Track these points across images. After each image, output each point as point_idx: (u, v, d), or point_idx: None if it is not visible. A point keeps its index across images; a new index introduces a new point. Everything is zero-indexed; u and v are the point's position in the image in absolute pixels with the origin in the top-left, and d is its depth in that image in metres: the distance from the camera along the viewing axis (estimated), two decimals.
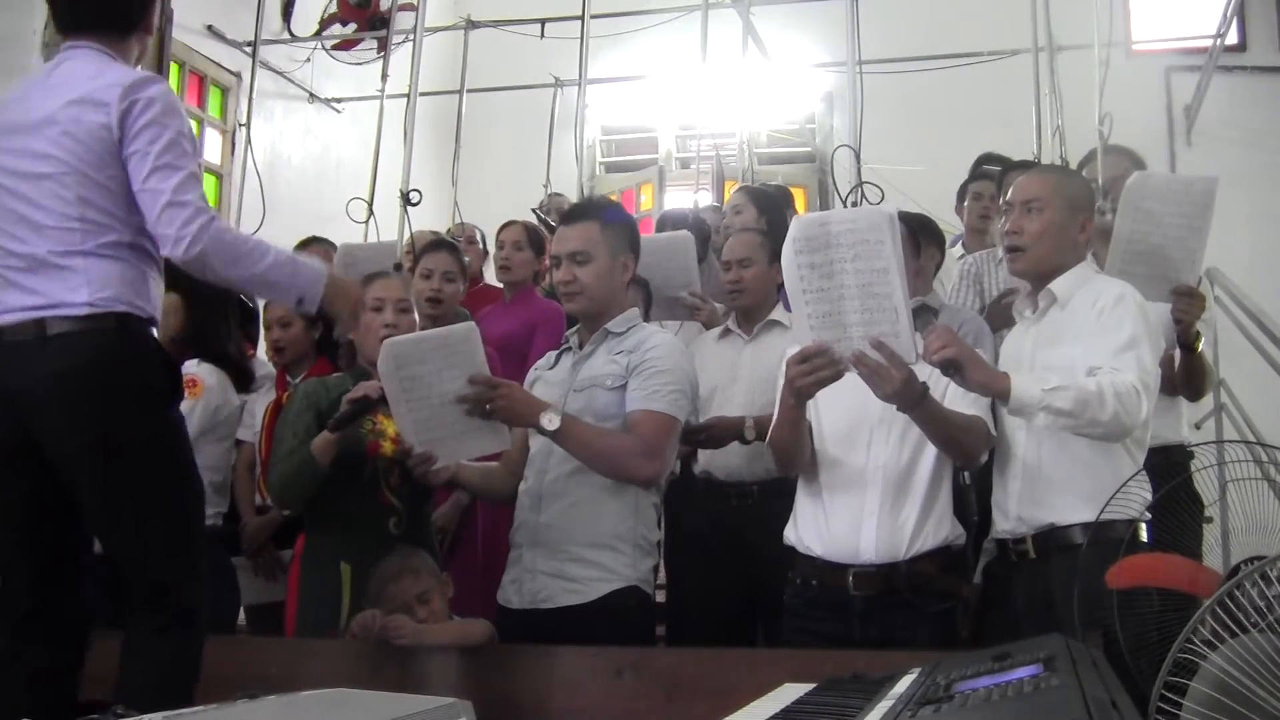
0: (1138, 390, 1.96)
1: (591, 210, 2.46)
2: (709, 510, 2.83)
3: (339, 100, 6.28)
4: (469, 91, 5.80)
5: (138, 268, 1.94)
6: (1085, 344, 2.08)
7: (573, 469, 2.28)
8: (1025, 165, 3.18)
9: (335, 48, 5.91)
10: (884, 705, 1.14)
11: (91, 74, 1.95)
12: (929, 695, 1.11)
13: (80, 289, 1.88)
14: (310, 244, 3.95)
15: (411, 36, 4.41)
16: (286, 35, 5.86)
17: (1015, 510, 2.14)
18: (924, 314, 2.07)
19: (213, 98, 5.58)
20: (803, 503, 2.28)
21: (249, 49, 5.22)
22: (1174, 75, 6.25)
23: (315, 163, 6.17)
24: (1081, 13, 3.87)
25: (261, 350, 3.44)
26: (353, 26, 5.86)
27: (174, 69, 5.12)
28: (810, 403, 2.13)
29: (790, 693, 1.34)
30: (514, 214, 4.07)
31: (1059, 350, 2.13)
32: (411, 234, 3.78)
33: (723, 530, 2.79)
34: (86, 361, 1.87)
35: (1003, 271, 3.17)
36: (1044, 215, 2.18)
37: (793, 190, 5.32)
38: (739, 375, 2.87)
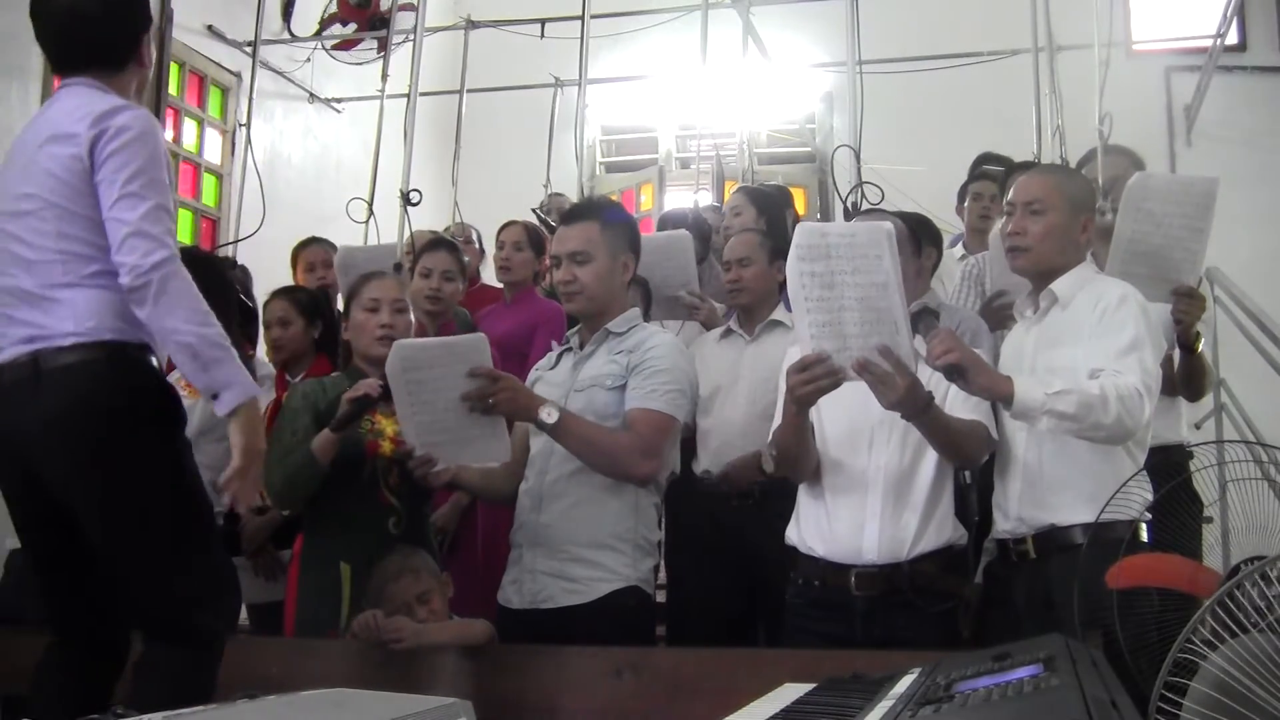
0: (1140, 393, 1.96)
1: (592, 210, 2.47)
2: (710, 510, 2.83)
3: (339, 100, 6.27)
4: (469, 91, 5.80)
5: (122, 294, 1.90)
6: (1087, 345, 2.08)
7: (573, 469, 2.28)
8: (1027, 166, 3.18)
9: (335, 48, 5.90)
10: (884, 705, 1.14)
11: (70, 109, 1.94)
12: (929, 695, 1.11)
13: (67, 320, 1.87)
14: (310, 244, 3.96)
15: (411, 36, 4.40)
16: (286, 35, 5.86)
17: (1016, 511, 2.14)
18: (926, 316, 2.07)
19: (213, 98, 5.58)
20: (805, 503, 2.28)
21: (249, 49, 5.22)
22: (1174, 75, 6.25)
23: (315, 163, 6.16)
24: (1081, 13, 3.87)
25: (261, 350, 3.44)
26: (353, 26, 5.86)
27: (174, 69, 5.12)
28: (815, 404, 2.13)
29: (790, 693, 1.34)
30: (514, 214, 4.07)
31: (1061, 351, 2.13)
32: (411, 234, 3.78)
33: (723, 530, 2.79)
34: (78, 399, 1.86)
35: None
36: (1046, 216, 2.18)
37: (793, 190, 5.32)
38: (741, 375, 2.87)
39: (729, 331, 2.99)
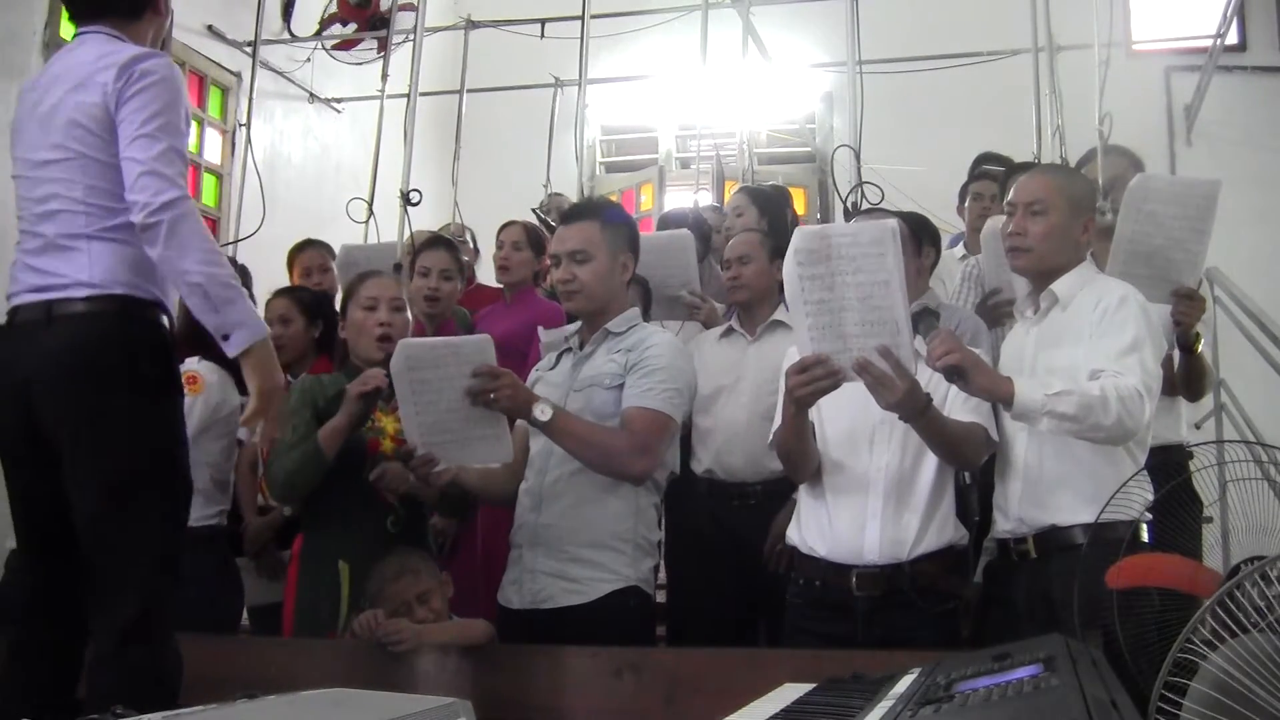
0: (1141, 394, 1.97)
1: (591, 210, 2.47)
2: (711, 510, 2.83)
3: (339, 100, 6.27)
4: (469, 91, 5.80)
5: (143, 249, 1.92)
6: (1088, 345, 2.08)
7: (573, 469, 2.28)
8: (1027, 166, 3.18)
9: (335, 48, 5.90)
10: (884, 705, 1.14)
11: (92, 58, 1.96)
12: (929, 695, 1.11)
13: (84, 270, 1.90)
14: (305, 248, 3.96)
15: (411, 36, 4.41)
16: (286, 35, 5.86)
17: (1016, 511, 2.14)
18: (926, 317, 2.07)
19: (213, 98, 5.58)
20: (806, 504, 2.28)
21: (249, 49, 5.21)
22: (1174, 75, 6.25)
23: (315, 163, 6.17)
24: (1081, 13, 3.87)
25: None
26: (353, 26, 5.86)
27: None
28: (815, 404, 2.13)
29: (790, 693, 1.34)
30: (514, 214, 4.07)
31: (1061, 351, 2.13)
32: (411, 234, 3.78)
33: (724, 530, 2.79)
34: (85, 343, 1.88)
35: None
36: (1047, 217, 2.18)
37: (793, 190, 5.32)
38: (744, 375, 2.87)
39: (730, 331, 2.99)
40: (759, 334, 2.91)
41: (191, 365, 2.90)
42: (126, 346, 1.91)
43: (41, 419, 1.90)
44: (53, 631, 1.94)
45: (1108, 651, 1.56)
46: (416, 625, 2.19)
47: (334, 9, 5.87)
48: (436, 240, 3.47)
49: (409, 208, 3.78)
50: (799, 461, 2.21)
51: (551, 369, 2.48)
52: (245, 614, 3.18)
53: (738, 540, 2.75)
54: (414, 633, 2.16)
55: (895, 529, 2.15)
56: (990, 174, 3.60)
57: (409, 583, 2.27)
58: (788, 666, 1.81)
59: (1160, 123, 6.13)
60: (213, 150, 5.55)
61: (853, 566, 2.15)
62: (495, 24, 5.91)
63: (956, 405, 2.14)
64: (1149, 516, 1.95)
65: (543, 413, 2.16)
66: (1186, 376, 2.65)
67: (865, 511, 2.16)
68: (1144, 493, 2.01)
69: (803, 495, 2.30)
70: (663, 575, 2.71)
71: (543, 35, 5.60)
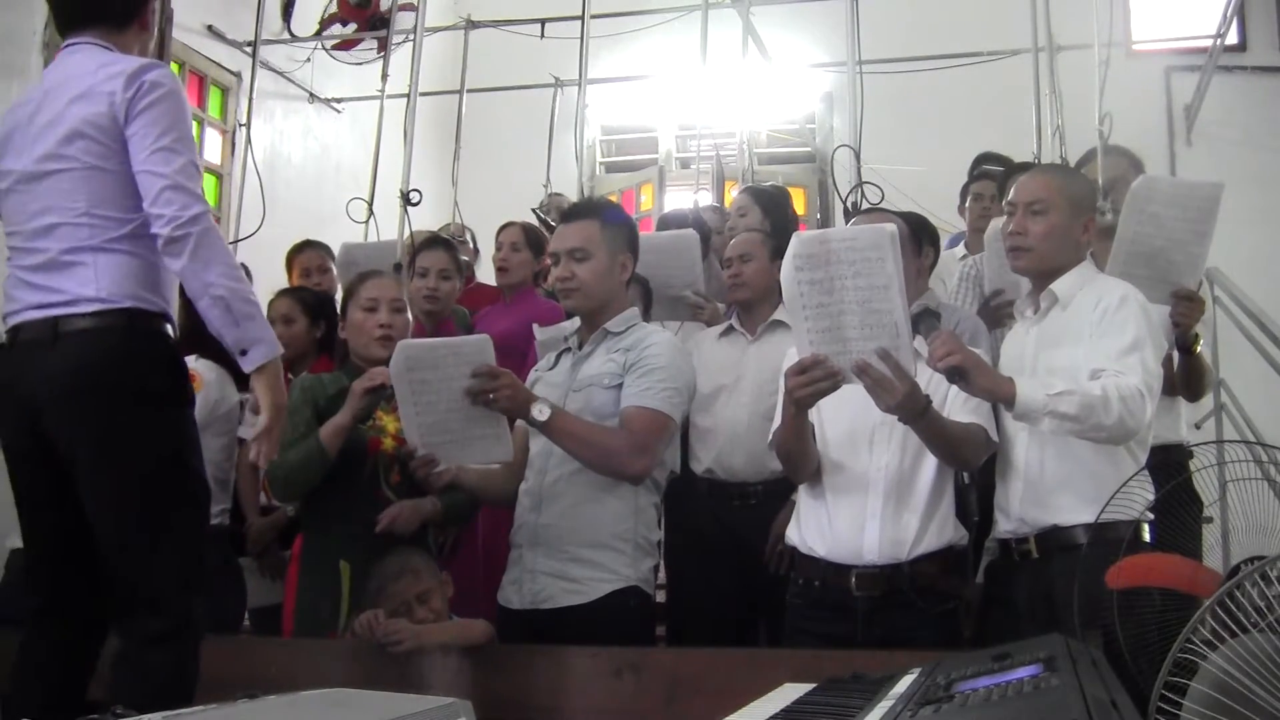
0: (1142, 393, 1.97)
1: (591, 209, 2.47)
2: (710, 510, 2.83)
3: (339, 100, 6.27)
4: (469, 91, 5.80)
5: (148, 261, 1.94)
6: (1088, 345, 2.08)
7: (573, 469, 2.28)
8: (1027, 166, 3.18)
9: (335, 48, 5.90)
10: (884, 705, 1.14)
11: (91, 69, 1.96)
12: (929, 695, 1.11)
13: (89, 284, 1.90)
14: (304, 249, 3.96)
15: (411, 36, 4.40)
16: (286, 35, 5.86)
17: (1018, 512, 2.14)
18: (927, 318, 2.06)
19: (213, 98, 5.58)
20: (806, 504, 2.28)
21: (249, 49, 5.21)
22: (1174, 75, 6.25)
23: (315, 163, 6.17)
24: (1081, 13, 3.87)
25: None
26: (353, 26, 5.86)
27: (174, 69, 5.11)
28: (815, 405, 2.13)
29: (790, 693, 1.34)
30: (514, 214, 4.06)
31: (1061, 351, 2.13)
32: (411, 234, 3.78)
33: (724, 530, 2.79)
34: (92, 361, 1.88)
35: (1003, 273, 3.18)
36: (1048, 216, 2.18)
37: (792, 190, 5.32)
38: (744, 375, 2.87)
39: (730, 330, 2.98)
40: (759, 333, 2.91)
41: (190, 364, 2.90)
42: (135, 360, 1.92)
43: (52, 436, 1.89)
44: (64, 632, 1.95)
45: (1108, 651, 1.56)
46: (416, 626, 2.19)
47: (334, 9, 5.87)
48: (434, 240, 3.47)
49: (409, 208, 3.78)
50: (799, 462, 2.21)
51: (551, 369, 2.48)
52: (247, 614, 3.18)
53: (738, 540, 2.75)
54: (413, 633, 2.16)
55: (895, 529, 2.14)
56: (990, 174, 3.60)
57: (409, 583, 2.26)
58: (788, 666, 1.82)
59: (1160, 123, 6.13)
60: (213, 150, 5.55)
61: (852, 567, 2.14)
62: (495, 24, 5.91)
63: (956, 406, 2.14)
64: (1150, 516, 1.95)
65: (541, 413, 2.16)
66: (1186, 377, 2.65)
67: (865, 512, 2.16)
68: (1145, 492, 2.01)
69: (802, 495, 2.30)
70: (663, 575, 2.71)
71: (543, 35, 5.60)
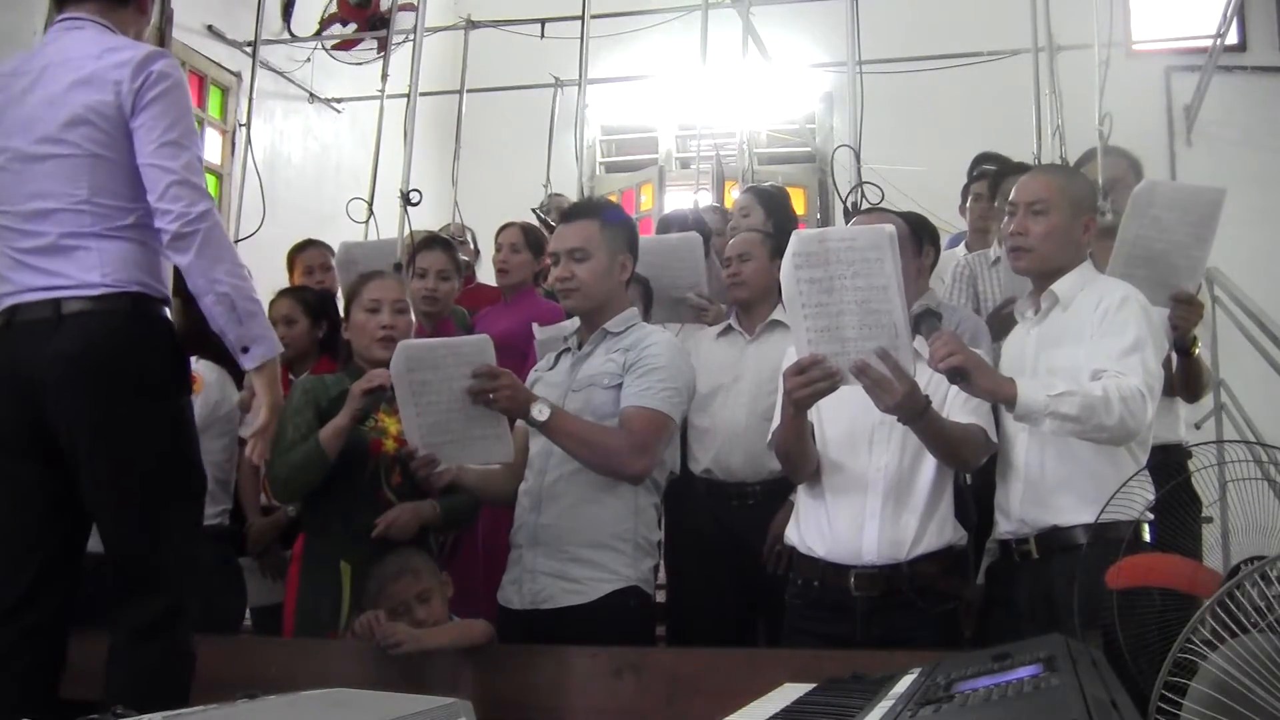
0: (1143, 394, 1.97)
1: (591, 209, 2.47)
2: (709, 510, 2.83)
3: (339, 100, 6.27)
4: (469, 91, 5.80)
5: (150, 247, 1.94)
6: (1089, 346, 2.08)
7: (573, 469, 2.28)
8: (1020, 166, 3.18)
9: (335, 48, 5.90)
10: (884, 705, 1.14)
11: (94, 52, 1.94)
12: (929, 695, 1.11)
13: (94, 269, 1.90)
14: (306, 247, 3.96)
15: (411, 36, 4.40)
16: (286, 35, 5.86)
17: (1018, 512, 2.14)
18: (928, 318, 2.06)
19: (213, 98, 5.58)
20: (805, 504, 2.27)
21: (249, 49, 5.22)
22: (1174, 75, 6.25)
23: (315, 163, 6.17)
24: (1081, 13, 3.87)
25: None
26: (353, 26, 5.86)
27: None
28: (815, 405, 2.12)
29: (790, 693, 1.34)
30: (514, 214, 4.06)
31: (1062, 352, 2.13)
32: (411, 234, 3.78)
33: (723, 530, 2.79)
34: (97, 343, 1.88)
35: (996, 273, 3.18)
36: (1048, 217, 2.18)
37: (793, 190, 5.32)
38: (743, 375, 2.87)
39: (728, 329, 2.98)
40: (757, 333, 2.91)
41: (191, 365, 2.90)
42: (139, 345, 1.92)
43: (53, 418, 1.89)
44: (35, 630, 1.93)
45: (1108, 651, 1.56)
46: (415, 630, 2.18)
47: (334, 9, 5.87)
48: (433, 240, 3.47)
49: (409, 208, 3.78)
50: (798, 462, 2.21)
51: (550, 369, 2.48)
52: (248, 614, 3.18)
53: (736, 540, 2.75)
54: (412, 637, 2.15)
55: (894, 529, 2.14)
56: (989, 174, 3.60)
57: (409, 583, 2.26)
58: (788, 666, 1.81)
59: (1160, 123, 6.14)
60: (213, 150, 5.55)
61: (851, 567, 2.14)
62: (495, 24, 5.91)
63: (956, 407, 2.14)
64: (1150, 516, 1.95)
65: (541, 412, 2.16)
66: (1185, 379, 2.65)
67: (864, 512, 2.16)
68: (1145, 493, 2.01)
69: (801, 495, 2.30)
70: (663, 575, 2.71)
71: (543, 35, 5.60)
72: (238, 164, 5.18)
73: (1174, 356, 2.60)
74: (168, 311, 2.00)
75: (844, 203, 3.48)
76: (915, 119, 5.87)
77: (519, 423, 2.32)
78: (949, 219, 3.84)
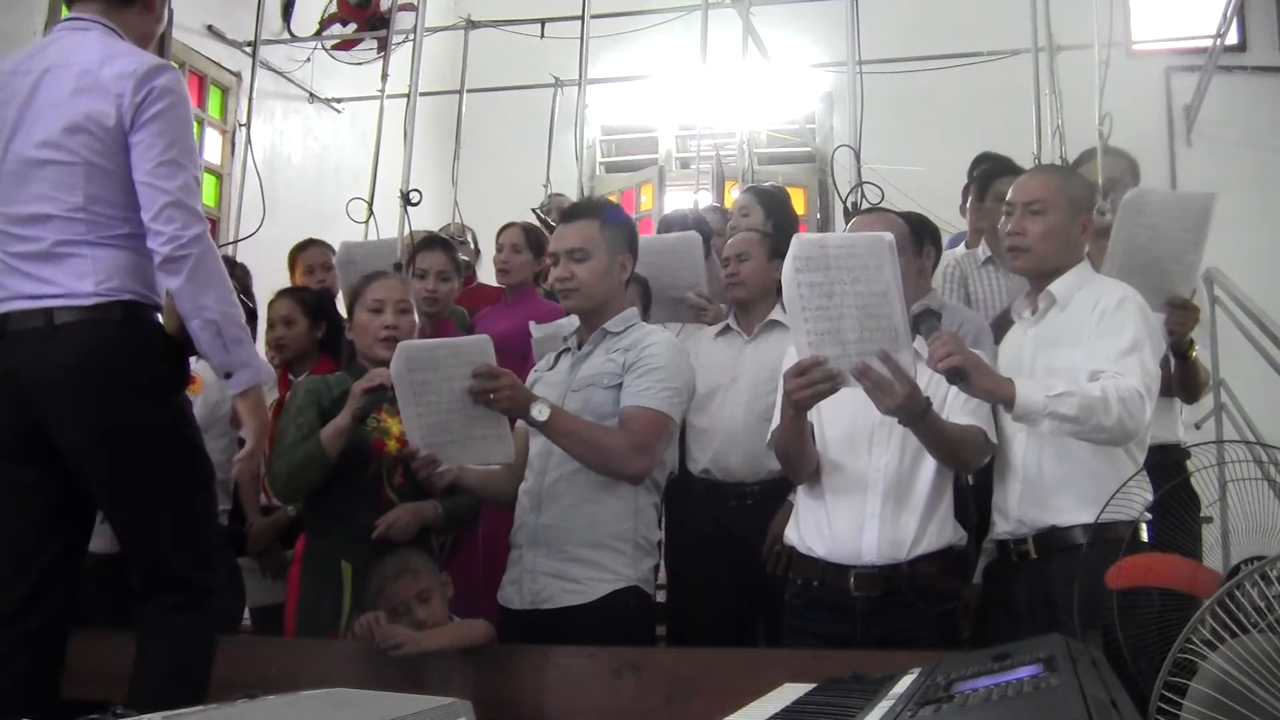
0: (1141, 394, 1.97)
1: (591, 209, 2.47)
2: (709, 510, 2.83)
3: (339, 100, 6.28)
4: (469, 91, 5.80)
5: (143, 254, 1.93)
6: (1087, 346, 2.08)
7: (573, 469, 2.28)
8: (1010, 166, 3.19)
9: (335, 48, 5.90)
10: (884, 705, 1.14)
11: (96, 58, 1.93)
12: (929, 695, 1.11)
13: (87, 277, 1.90)
14: (308, 246, 3.97)
15: (411, 36, 4.40)
16: (286, 35, 5.86)
17: (1016, 513, 2.14)
18: (928, 318, 2.06)
19: (213, 98, 5.58)
20: (805, 504, 2.27)
21: (249, 49, 5.22)
22: (1174, 75, 6.25)
23: (315, 163, 6.17)
24: (1081, 13, 3.87)
25: (261, 349, 3.44)
26: (353, 26, 5.86)
27: None
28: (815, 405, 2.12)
29: (790, 693, 1.34)
30: (514, 214, 4.07)
31: (1060, 352, 2.13)
32: (411, 234, 3.78)
33: (723, 530, 2.79)
34: (92, 351, 1.88)
35: (986, 273, 3.18)
36: (1046, 217, 2.18)
37: (793, 190, 5.32)
38: (741, 375, 2.87)
39: (727, 329, 2.98)
40: (756, 333, 2.91)
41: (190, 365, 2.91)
42: (133, 352, 1.92)
43: (55, 426, 1.89)
44: (34, 638, 1.93)
45: (1108, 651, 1.56)
46: (415, 632, 2.18)
47: (334, 9, 5.87)
48: (433, 241, 3.47)
49: (409, 208, 3.78)
50: (797, 462, 2.21)
51: (550, 369, 2.48)
52: (247, 614, 3.18)
53: (736, 540, 2.75)
54: (412, 639, 2.15)
55: (894, 530, 2.14)
56: (980, 174, 3.59)
57: (408, 583, 2.26)
58: (788, 666, 1.82)
59: (1160, 123, 6.14)
60: (213, 150, 5.55)
61: (851, 567, 2.14)
62: (495, 24, 5.91)
63: (955, 408, 2.14)
64: (1149, 516, 1.95)
65: (540, 412, 2.16)
66: (1182, 381, 2.65)
67: (864, 512, 2.16)
68: (1144, 493, 2.01)
69: (801, 496, 2.30)
70: (663, 575, 2.71)
71: (543, 35, 5.60)
72: (238, 164, 5.18)
73: (1171, 361, 2.60)
74: (159, 317, 2.00)
75: (844, 203, 3.48)
76: (915, 119, 5.87)
77: (519, 423, 2.32)
78: (949, 219, 3.83)
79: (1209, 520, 1.89)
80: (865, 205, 3.33)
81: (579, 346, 2.43)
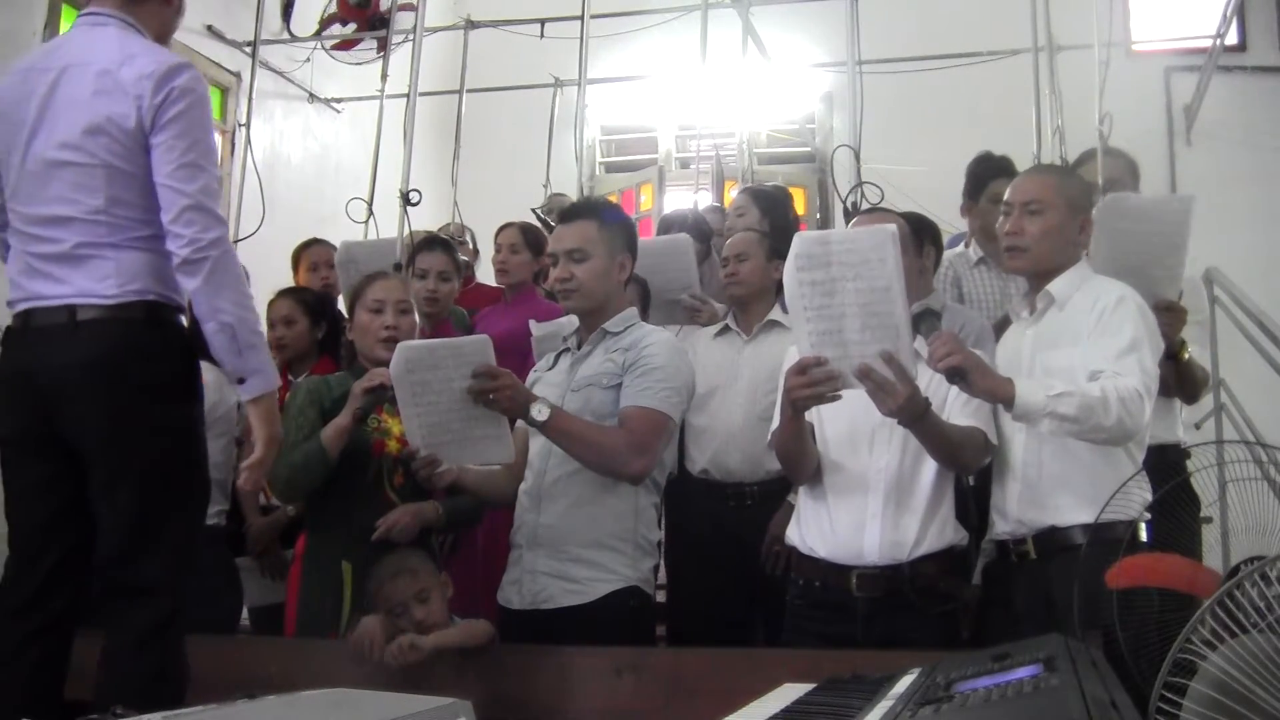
0: (1140, 395, 1.97)
1: (590, 209, 2.47)
2: (708, 510, 2.83)
3: (339, 100, 6.27)
4: (469, 91, 5.80)
5: (166, 256, 1.92)
6: (1086, 346, 2.08)
7: (572, 469, 2.28)
8: (1008, 167, 3.19)
9: (335, 48, 5.90)
10: (884, 705, 1.14)
11: (115, 57, 1.92)
12: (929, 695, 1.11)
13: (109, 279, 1.90)
14: (312, 244, 3.97)
15: (411, 36, 4.40)
16: (286, 35, 5.85)
17: (1015, 513, 2.14)
18: (928, 318, 2.06)
19: (213, 98, 5.58)
20: (806, 504, 2.27)
21: (249, 49, 5.21)
22: (1174, 75, 6.25)
23: (315, 163, 6.16)
24: (1081, 13, 3.87)
25: None
26: (352, 26, 5.85)
27: None
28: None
29: (790, 693, 1.34)
30: (514, 214, 4.07)
31: (1059, 352, 2.13)
32: (411, 234, 3.78)
33: (722, 530, 2.79)
34: (111, 349, 1.88)
35: (979, 274, 3.19)
36: (1045, 216, 2.19)
37: (792, 190, 5.32)
38: (740, 375, 2.87)
39: (726, 329, 2.98)
40: (755, 333, 2.91)
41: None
42: (152, 352, 1.92)
43: (67, 422, 1.89)
44: (41, 631, 1.93)
45: (1108, 651, 1.57)
46: (418, 637, 2.15)
47: (334, 9, 5.86)
48: (433, 241, 3.46)
49: (409, 208, 3.78)
50: (798, 462, 2.21)
51: (550, 369, 2.48)
52: (246, 614, 3.18)
53: (736, 540, 2.75)
54: (416, 646, 2.12)
55: (895, 530, 2.14)
56: (974, 175, 3.59)
57: (407, 582, 2.25)
58: (788, 666, 1.81)
59: (1160, 123, 6.14)
60: None
61: (853, 567, 2.14)
62: (495, 24, 5.90)
63: (956, 409, 2.13)
64: (1148, 516, 1.95)
65: (540, 412, 2.16)
66: (1179, 382, 2.65)
67: (865, 512, 2.16)
68: (1143, 493, 2.01)
69: (803, 496, 2.30)
70: (663, 575, 2.71)
71: (542, 35, 5.59)
72: (237, 164, 5.17)
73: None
74: (183, 319, 1.99)
75: (844, 203, 3.48)
76: (915, 119, 5.87)
77: (519, 423, 2.32)
78: (949, 219, 3.83)
79: (1209, 520, 1.89)
80: (865, 205, 3.33)
81: (578, 346, 2.43)
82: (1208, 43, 5.72)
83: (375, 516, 2.42)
